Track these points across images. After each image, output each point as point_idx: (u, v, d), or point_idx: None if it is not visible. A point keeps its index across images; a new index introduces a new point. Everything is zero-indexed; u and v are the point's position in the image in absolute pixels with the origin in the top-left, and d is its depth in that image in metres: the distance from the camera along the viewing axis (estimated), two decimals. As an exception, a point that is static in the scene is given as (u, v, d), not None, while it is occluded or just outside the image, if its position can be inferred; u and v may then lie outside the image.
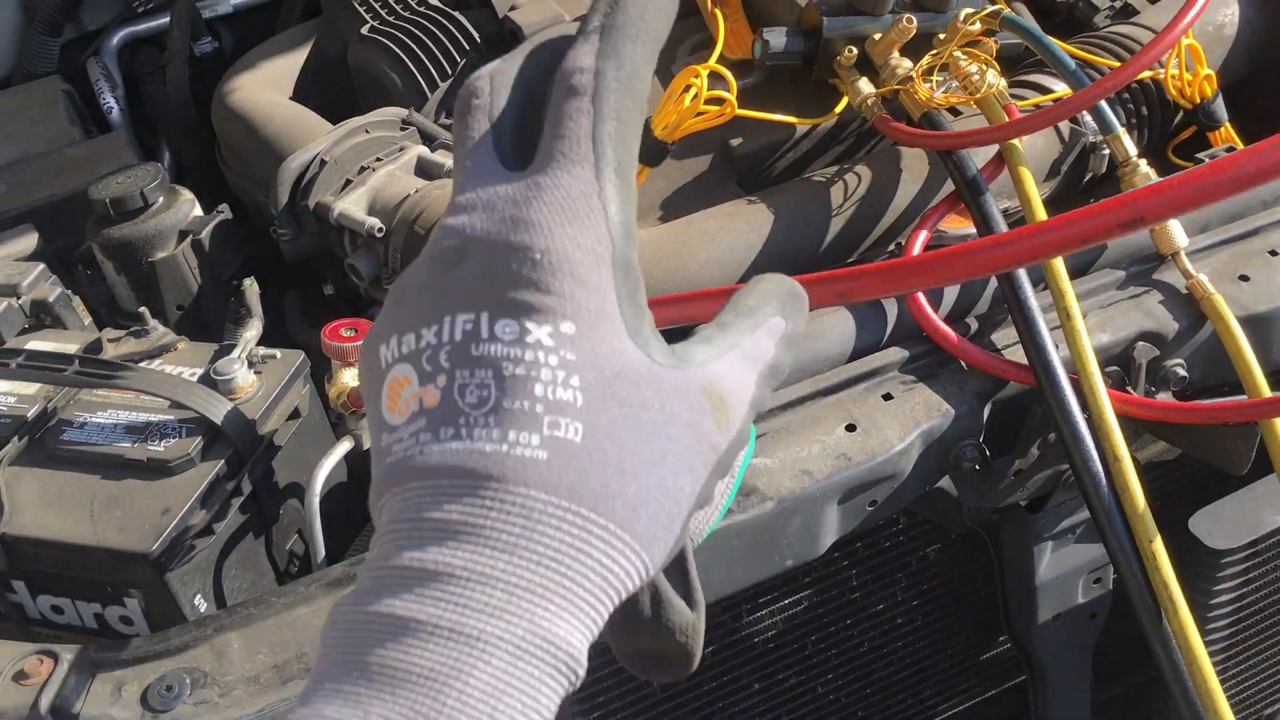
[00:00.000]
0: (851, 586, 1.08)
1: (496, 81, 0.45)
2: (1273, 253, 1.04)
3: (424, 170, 1.25)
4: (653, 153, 1.12)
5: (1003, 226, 0.99)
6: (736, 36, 1.23)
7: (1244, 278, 1.03)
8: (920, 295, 0.99)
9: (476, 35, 1.40)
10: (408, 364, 0.41)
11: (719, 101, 1.10)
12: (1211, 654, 1.07)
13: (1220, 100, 1.25)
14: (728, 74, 1.09)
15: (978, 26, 1.10)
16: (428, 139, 1.30)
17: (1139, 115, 1.26)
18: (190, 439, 0.96)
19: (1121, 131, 1.03)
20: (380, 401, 0.42)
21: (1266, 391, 0.94)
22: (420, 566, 0.38)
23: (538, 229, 0.40)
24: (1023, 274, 0.96)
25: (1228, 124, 1.26)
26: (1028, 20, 1.15)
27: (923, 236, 1.04)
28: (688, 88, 1.10)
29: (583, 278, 0.40)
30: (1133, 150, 1.02)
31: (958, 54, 1.11)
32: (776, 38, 1.13)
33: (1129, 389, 0.97)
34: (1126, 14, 1.39)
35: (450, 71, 1.38)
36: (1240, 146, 1.26)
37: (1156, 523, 1.08)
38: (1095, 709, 1.18)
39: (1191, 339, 1.01)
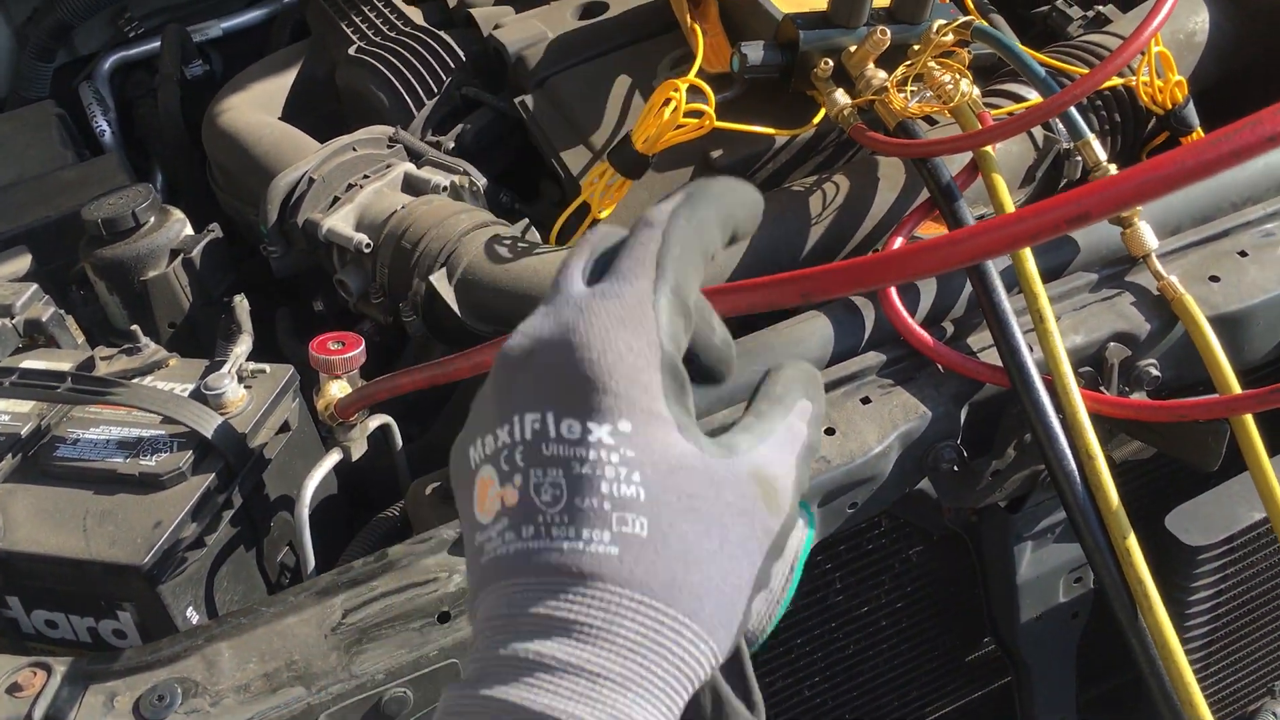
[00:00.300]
0: (835, 589, 1.10)
1: (607, 228, 0.50)
2: (1242, 254, 1.06)
3: (411, 186, 1.27)
4: (633, 165, 1.14)
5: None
6: (715, 50, 1.25)
7: (1214, 278, 1.04)
8: (896, 300, 1.01)
9: (462, 54, 1.43)
10: (490, 465, 0.45)
11: (698, 114, 1.12)
12: (1192, 651, 1.09)
13: (1191, 106, 1.27)
14: (706, 87, 1.12)
15: (950, 37, 1.13)
16: (414, 155, 1.32)
17: (1111, 122, 1.29)
18: (181, 453, 0.97)
19: (1091, 137, 1.05)
20: (472, 502, 0.46)
21: (1236, 389, 0.96)
22: (520, 657, 0.42)
23: (594, 329, 0.44)
24: (996, 278, 0.98)
25: (1199, 129, 1.29)
26: (1001, 30, 1.17)
27: (898, 243, 1.06)
28: (667, 101, 1.12)
29: (635, 378, 0.43)
30: (1103, 155, 1.04)
31: (932, 64, 1.14)
32: (754, 51, 1.16)
33: (1102, 389, 0.99)
34: (1099, 23, 1.41)
35: (436, 89, 1.40)
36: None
37: (1132, 520, 1.09)
38: (1081, 708, 1.20)
39: (1163, 339, 1.02)
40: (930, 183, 1.05)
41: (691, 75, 1.15)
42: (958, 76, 1.11)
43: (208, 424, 0.98)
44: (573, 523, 0.43)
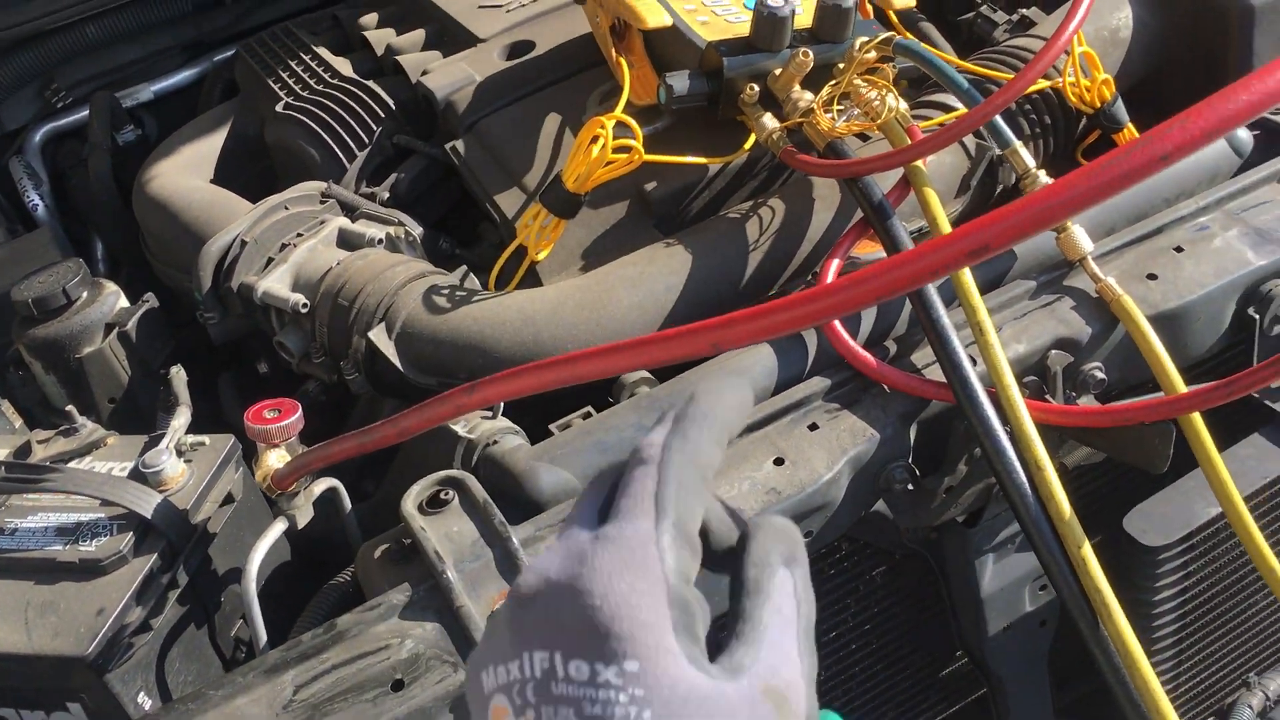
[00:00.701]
0: (801, 617, 1.08)
1: (613, 467, 0.51)
2: (1178, 249, 1.07)
3: (346, 241, 1.26)
4: (566, 205, 1.14)
5: (909, 245, 1.01)
6: (642, 82, 1.24)
7: (1152, 276, 1.04)
8: (837, 323, 1.00)
9: (391, 102, 1.42)
10: (503, 695, 0.46)
11: (627, 149, 1.12)
12: (1163, 649, 1.08)
13: (1120, 103, 1.27)
14: (631, 122, 1.11)
15: (873, 54, 1.13)
16: (348, 210, 1.31)
17: (1042, 124, 1.29)
18: (121, 536, 0.95)
19: (1018, 145, 1.05)
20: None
21: (1181, 388, 0.96)
22: None
23: (599, 574, 0.45)
24: (934, 295, 0.97)
25: (1130, 125, 1.29)
26: (933, 39, 1.17)
27: (836, 264, 1.05)
28: (595, 138, 1.11)
29: (641, 619, 0.44)
30: (1031, 162, 1.04)
31: (858, 82, 1.14)
32: (679, 81, 1.15)
33: (1048, 397, 0.99)
34: (1024, 26, 1.42)
35: (367, 140, 1.39)
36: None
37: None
38: (1057, 713, 1.19)
39: (1106, 341, 1.02)
40: (862, 202, 1.05)
41: (618, 110, 1.15)
42: (884, 92, 1.11)
43: (147, 504, 0.96)
44: None
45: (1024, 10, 1.43)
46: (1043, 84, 1.27)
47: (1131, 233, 1.08)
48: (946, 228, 1.02)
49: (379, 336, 1.12)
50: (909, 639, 1.16)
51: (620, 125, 1.14)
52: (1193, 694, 1.14)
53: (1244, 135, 1.15)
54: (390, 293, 1.14)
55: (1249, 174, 1.11)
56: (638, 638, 0.44)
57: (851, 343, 0.99)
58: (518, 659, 0.45)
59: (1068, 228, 1.03)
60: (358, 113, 1.40)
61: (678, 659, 0.44)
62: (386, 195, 1.36)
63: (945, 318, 0.96)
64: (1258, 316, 1.05)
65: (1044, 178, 1.04)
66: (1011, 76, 1.25)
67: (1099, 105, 1.28)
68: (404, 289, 1.15)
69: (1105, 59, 1.36)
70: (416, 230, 1.27)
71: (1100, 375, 1.02)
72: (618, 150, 1.11)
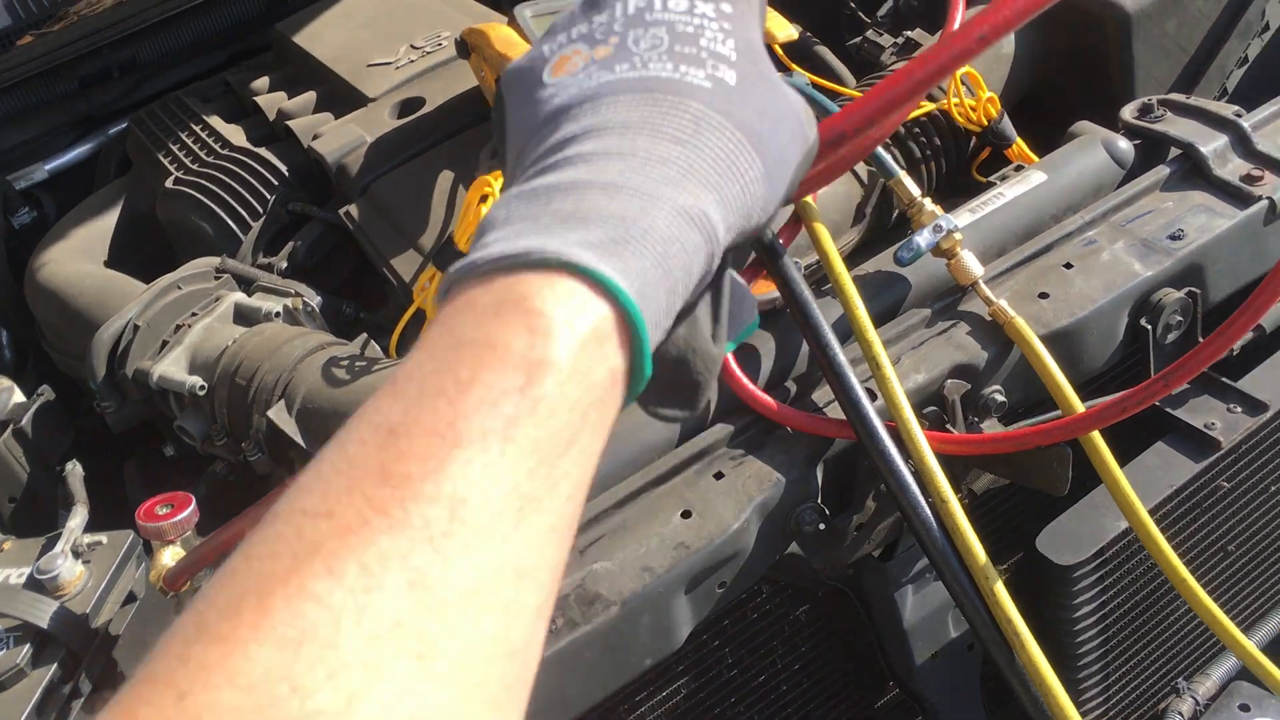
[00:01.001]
0: (728, 664, 1.08)
1: None
2: (1067, 265, 1.07)
3: (242, 317, 1.24)
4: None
5: (803, 287, 1.01)
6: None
7: (1043, 295, 1.05)
8: (735, 368, 0.99)
9: (284, 169, 1.40)
10: (580, 42, 0.50)
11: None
12: (1089, 664, 1.09)
13: (1006, 120, 1.29)
14: (517, 180, 1.10)
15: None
16: (244, 283, 1.29)
17: (932, 146, 1.30)
18: (18, 649, 0.92)
19: (901, 174, 1.05)
20: (545, 71, 0.50)
21: (1077, 407, 0.96)
22: (603, 149, 0.45)
23: None
24: (828, 332, 0.97)
25: (1019, 140, 1.31)
26: (830, 64, 1.17)
27: (732, 308, 1.05)
28: (484, 197, 1.10)
29: None
30: (915, 191, 1.05)
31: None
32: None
33: (949, 426, 0.99)
34: (909, 49, 1.43)
35: (261, 210, 1.37)
36: (1032, 157, 1.30)
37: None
38: (995, 734, 1.19)
39: (1004, 364, 1.03)
40: (753, 242, 1.04)
41: (507, 166, 1.14)
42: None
43: (42, 613, 0.93)
44: (671, 60, 0.48)
45: (908, 33, 1.44)
46: (929, 106, 1.28)
47: (1021, 253, 1.09)
48: (837, 262, 1.02)
49: (279, 414, 1.09)
50: (840, 674, 1.15)
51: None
52: (1124, 703, 1.14)
53: (1124, 146, 1.16)
54: (288, 368, 1.12)
55: (1131, 185, 1.12)
56: None
57: (751, 386, 0.99)
58: (608, 9, 0.50)
59: (957, 253, 1.03)
60: (250, 182, 1.38)
61: (759, 20, 0.52)
62: (284, 265, 1.34)
63: (841, 355, 0.96)
64: (1149, 327, 1.06)
65: (929, 205, 1.04)
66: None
67: (985, 123, 1.29)
68: (302, 363, 1.13)
69: (989, 76, 1.37)
70: (314, 300, 1.26)
71: (1000, 399, 1.02)
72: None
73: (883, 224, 1.25)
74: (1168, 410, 1.09)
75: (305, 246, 1.35)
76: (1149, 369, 1.08)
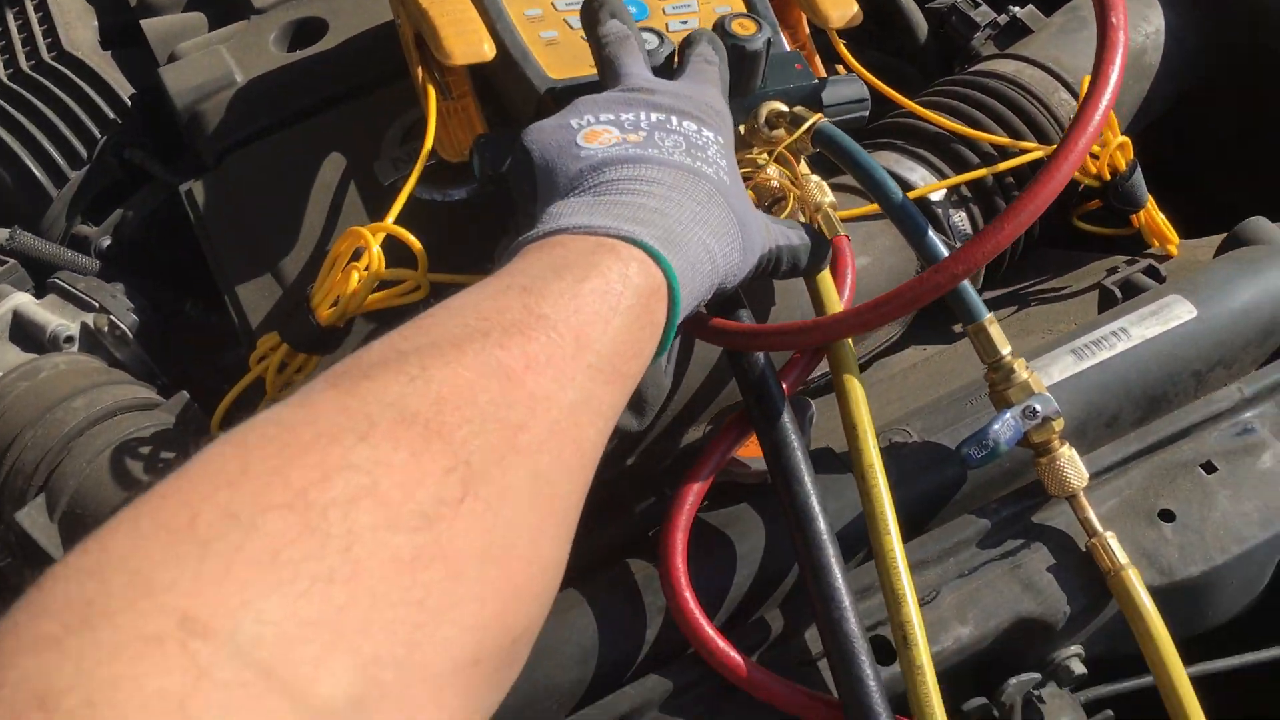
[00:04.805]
0: None
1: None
2: (1208, 467, 0.72)
3: (23, 333, 0.88)
4: (316, 340, 0.76)
5: (800, 461, 0.66)
6: (461, 122, 0.85)
7: (1166, 516, 0.70)
8: (688, 594, 0.65)
9: (126, 96, 1.01)
10: (611, 126, 0.59)
11: (402, 279, 0.74)
12: None
13: (1138, 174, 0.91)
14: (410, 239, 0.73)
15: (781, 131, 0.75)
16: (40, 269, 0.92)
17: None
18: None
19: (988, 319, 0.68)
20: (579, 137, 0.59)
21: (1185, 691, 0.63)
22: (648, 190, 0.56)
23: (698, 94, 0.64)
24: (826, 541, 0.63)
25: (1151, 203, 0.93)
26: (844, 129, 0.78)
27: (704, 476, 0.70)
28: (358, 252, 0.73)
29: (724, 118, 0.64)
30: (1004, 347, 0.68)
31: (761, 159, 0.76)
32: (497, 152, 0.76)
33: (998, 734, 0.65)
34: (1012, 34, 1.02)
35: (85, 156, 0.99)
36: (1171, 238, 0.93)
37: None
38: None
39: (1093, 621, 0.69)
40: (744, 383, 0.69)
41: (400, 200, 0.76)
42: (793, 181, 0.74)
43: None
44: (689, 157, 0.58)
45: (1015, 9, 1.03)
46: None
47: (1143, 437, 0.73)
48: (868, 438, 0.66)
49: (31, 518, 0.75)
50: None
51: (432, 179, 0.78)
52: None
53: (1314, 273, 0.79)
54: (56, 446, 0.77)
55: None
56: (722, 116, 0.63)
57: (709, 630, 0.65)
58: (632, 113, 0.60)
59: (1055, 453, 0.67)
60: (73, 112, 0.99)
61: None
62: (107, 241, 0.96)
63: (842, 586, 0.63)
64: (1313, 578, 0.72)
65: (1023, 373, 0.67)
66: (977, 135, 0.88)
67: (1109, 178, 0.91)
68: (79, 440, 0.78)
69: (1123, 97, 0.98)
70: (128, 318, 0.89)
71: (1078, 668, 0.69)
72: (389, 281, 0.73)
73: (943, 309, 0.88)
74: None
75: (138, 218, 0.97)
76: (1289, 623, 0.74)
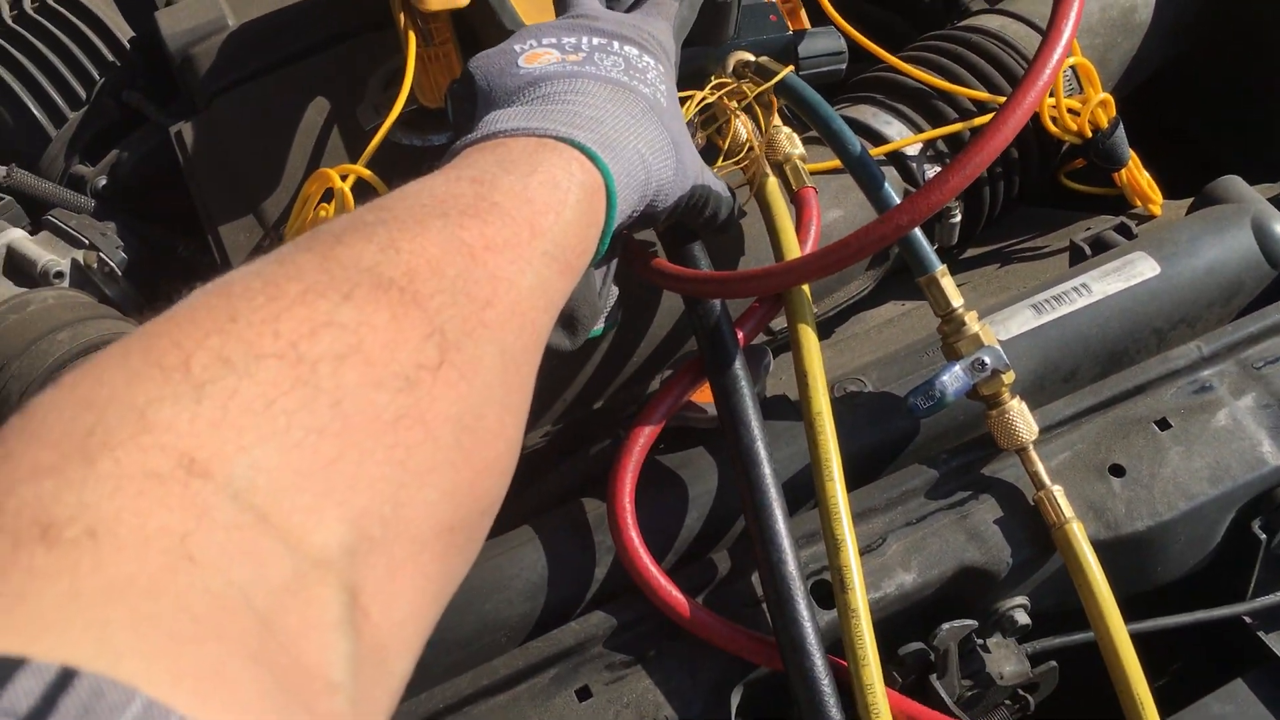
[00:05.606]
0: None
1: None
2: (1162, 424, 0.72)
3: (16, 268, 0.90)
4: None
5: (749, 408, 0.67)
6: (443, 67, 0.86)
7: (1117, 471, 0.71)
8: (634, 534, 0.67)
9: (125, 39, 1.02)
10: (552, 48, 0.61)
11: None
12: None
13: (1120, 132, 0.90)
14: (376, 181, 0.74)
15: (748, 82, 0.75)
16: (36, 207, 0.95)
17: (1004, 162, 0.92)
18: None
19: (940, 270, 0.69)
20: (520, 59, 0.61)
21: (1124, 647, 0.64)
22: (582, 100, 0.57)
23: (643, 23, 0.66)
24: (770, 487, 0.65)
25: (1134, 161, 0.92)
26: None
27: (656, 419, 0.71)
28: (328, 194, 0.75)
29: (667, 49, 0.65)
30: (955, 299, 0.68)
31: (733, 105, 0.77)
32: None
33: (933, 678, 0.66)
34: (1008, -11, 1.01)
35: (84, 96, 1.01)
36: (1153, 197, 0.92)
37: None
38: None
39: (1037, 572, 0.70)
40: (699, 331, 0.70)
41: (383, 130, 0.78)
42: (761, 133, 0.75)
43: None
44: (626, 75, 0.60)
45: (1011, -37, 1.02)
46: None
47: (1098, 392, 0.73)
48: (818, 383, 0.67)
49: (16, 447, 0.78)
50: None
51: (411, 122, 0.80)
52: None
53: (1283, 233, 0.78)
54: (40, 378, 0.80)
55: (1281, 304, 0.76)
56: (665, 48, 0.65)
57: (654, 571, 0.66)
58: (574, 35, 0.62)
59: (1004, 405, 0.68)
60: (72, 53, 1.00)
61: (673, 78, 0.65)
62: (104, 180, 0.99)
63: (783, 529, 0.64)
64: (1264, 536, 0.72)
65: (973, 326, 0.68)
66: (955, 89, 0.88)
67: (1090, 135, 0.90)
68: (61, 372, 0.80)
69: (1112, 48, 0.97)
70: (117, 256, 0.91)
71: (1023, 619, 0.70)
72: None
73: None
74: (1260, 633, 0.76)
75: (134, 159, 0.99)
76: (1246, 584, 0.74)
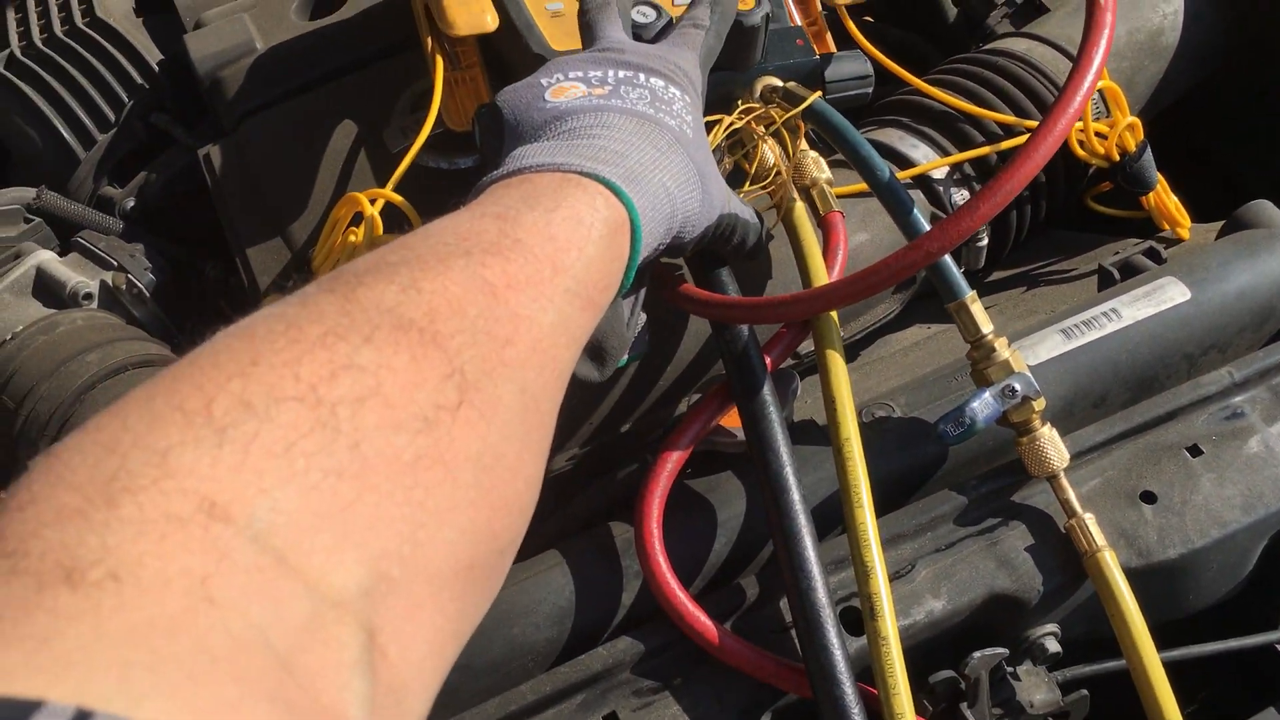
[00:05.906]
0: None
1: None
2: (1193, 450, 0.72)
3: (46, 289, 0.91)
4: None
5: (778, 434, 0.67)
6: (470, 91, 0.86)
7: (1148, 498, 0.70)
8: (662, 561, 0.67)
9: (154, 61, 1.03)
10: (579, 82, 0.62)
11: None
12: None
13: (1148, 155, 0.90)
14: (406, 206, 0.75)
15: (775, 107, 0.75)
16: (65, 228, 0.95)
17: (1034, 184, 0.91)
18: None
19: (970, 297, 0.68)
20: (546, 94, 0.61)
21: (1157, 676, 0.64)
22: (609, 135, 0.57)
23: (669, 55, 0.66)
24: (799, 513, 0.64)
25: (1162, 185, 0.92)
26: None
27: (677, 454, 0.71)
28: (358, 217, 0.75)
29: (693, 80, 0.66)
30: (985, 326, 0.68)
31: (760, 131, 0.77)
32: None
33: (964, 708, 0.66)
34: (1029, 12, 1.02)
35: (113, 119, 1.02)
36: (1181, 221, 0.92)
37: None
38: None
39: (1068, 600, 0.69)
40: (727, 356, 0.70)
41: (411, 154, 0.78)
42: (789, 157, 0.75)
43: None
44: (652, 108, 0.60)
45: (1037, -15, 1.02)
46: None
47: (1128, 418, 0.73)
48: (846, 409, 0.67)
49: (46, 468, 0.78)
50: None
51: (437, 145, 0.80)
52: None
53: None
54: (69, 399, 0.80)
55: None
56: (691, 79, 0.65)
57: (681, 596, 0.66)
58: (599, 70, 0.62)
59: (1035, 432, 0.68)
60: (102, 77, 1.01)
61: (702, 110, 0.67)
62: (131, 202, 0.99)
63: (813, 555, 0.64)
64: (1296, 565, 0.71)
65: (1003, 353, 0.68)
66: (982, 113, 0.88)
67: (1117, 158, 0.90)
68: (89, 395, 0.81)
69: (1139, 72, 0.97)
70: (145, 278, 0.92)
71: (1054, 648, 0.69)
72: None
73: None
74: (1289, 658, 0.75)
75: (162, 181, 1.00)
76: (1279, 611, 0.74)
